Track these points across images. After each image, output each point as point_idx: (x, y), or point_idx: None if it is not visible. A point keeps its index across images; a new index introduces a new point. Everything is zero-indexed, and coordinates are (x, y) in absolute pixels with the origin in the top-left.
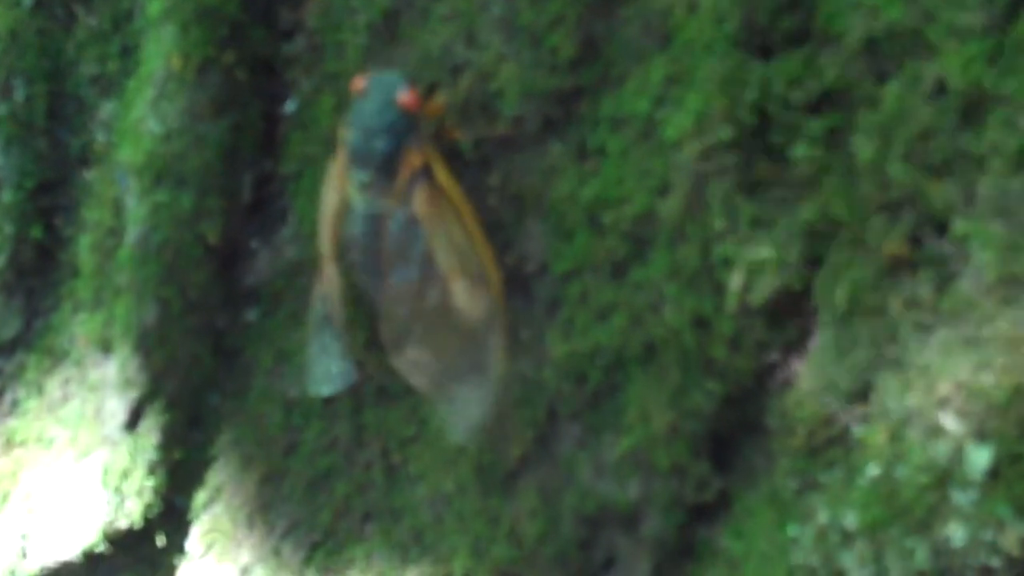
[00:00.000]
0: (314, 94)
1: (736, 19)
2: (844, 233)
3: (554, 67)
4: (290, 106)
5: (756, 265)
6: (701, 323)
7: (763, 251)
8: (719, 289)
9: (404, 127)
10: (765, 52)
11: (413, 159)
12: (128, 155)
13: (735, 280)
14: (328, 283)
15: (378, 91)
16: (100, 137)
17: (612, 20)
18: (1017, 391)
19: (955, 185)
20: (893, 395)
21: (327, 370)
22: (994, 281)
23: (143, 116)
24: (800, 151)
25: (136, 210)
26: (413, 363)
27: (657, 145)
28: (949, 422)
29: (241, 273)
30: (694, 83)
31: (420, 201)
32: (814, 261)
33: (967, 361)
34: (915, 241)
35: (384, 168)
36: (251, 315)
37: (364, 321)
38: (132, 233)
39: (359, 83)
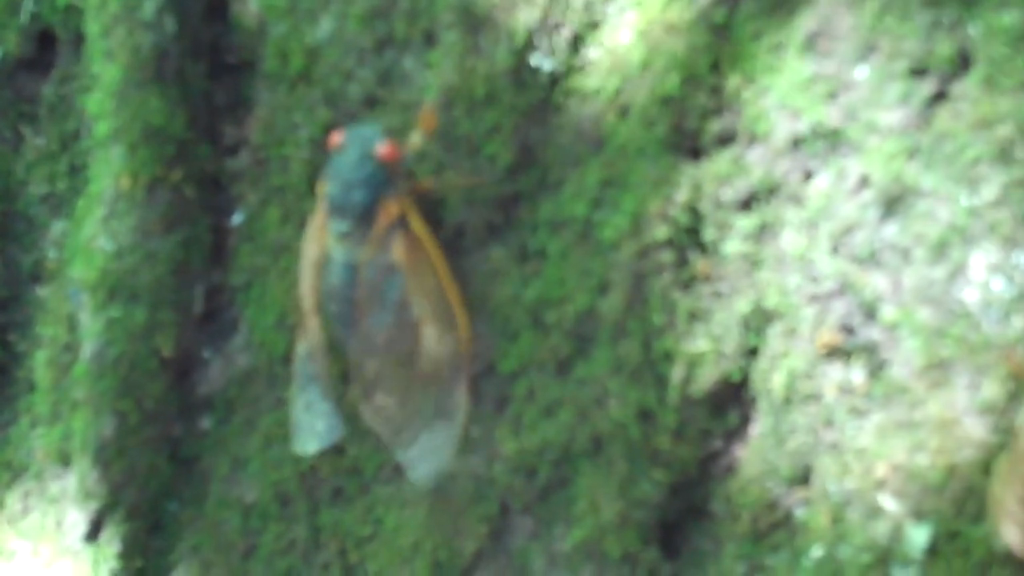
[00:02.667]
0: (261, 207)
1: (665, 123)
2: (778, 324)
3: (493, 174)
4: (237, 219)
5: (695, 358)
6: (645, 415)
7: (701, 344)
8: (661, 382)
9: (382, 178)
10: (695, 153)
11: (391, 209)
12: (81, 272)
13: (676, 373)
14: (311, 336)
15: (356, 144)
16: (51, 254)
17: (547, 127)
18: (951, 471)
19: (882, 275)
20: (832, 478)
21: (313, 427)
22: (923, 366)
23: (94, 234)
24: (733, 247)
25: (91, 326)
26: (379, 409)
27: (595, 246)
28: (888, 503)
29: (195, 383)
30: (629, 185)
31: (398, 249)
32: (751, 351)
33: (902, 443)
34: (847, 330)
35: (362, 218)
36: (206, 423)
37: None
38: (87, 348)
39: (336, 138)
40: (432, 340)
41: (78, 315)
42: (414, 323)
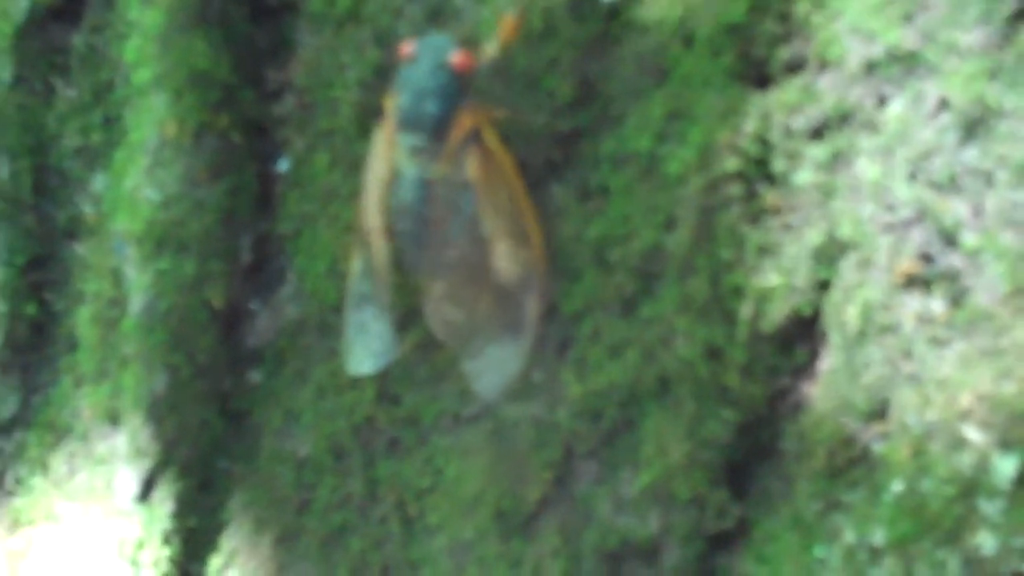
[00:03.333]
0: (308, 153)
1: (732, 52)
2: (852, 255)
3: (552, 109)
4: (283, 165)
5: (765, 293)
6: (713, 353)
7: (771, 278)
8: (730, 319)
9: (456, 89)
10: (763, 82)
11: (465, 121)
12: (125, 224)
13: (745, 309)
14: (376, 254)
15: (428, 54)
16: (88, 209)
17: (607, 60)
18: None
19: (962, 200)
20: (912, 410)
21: (368, 348)
22: (1009, 292)
23: (138, 184)
24: (804, 177)
25: (138, 279)
26: (448, 323)
27: (660, 180)
28: (972, 433)
29: (243, 335)
30: (694, 117)
31: (473, 164)
32: (823, 284)
33: (987, 372)
34: (926, 258)
35: (436, 131)
36: (256, 376)
37: (407, 296)
38: (136, 302)
39: (407, 48)
40: (504, 256)
41: (123, 269)
42: (486, 239)
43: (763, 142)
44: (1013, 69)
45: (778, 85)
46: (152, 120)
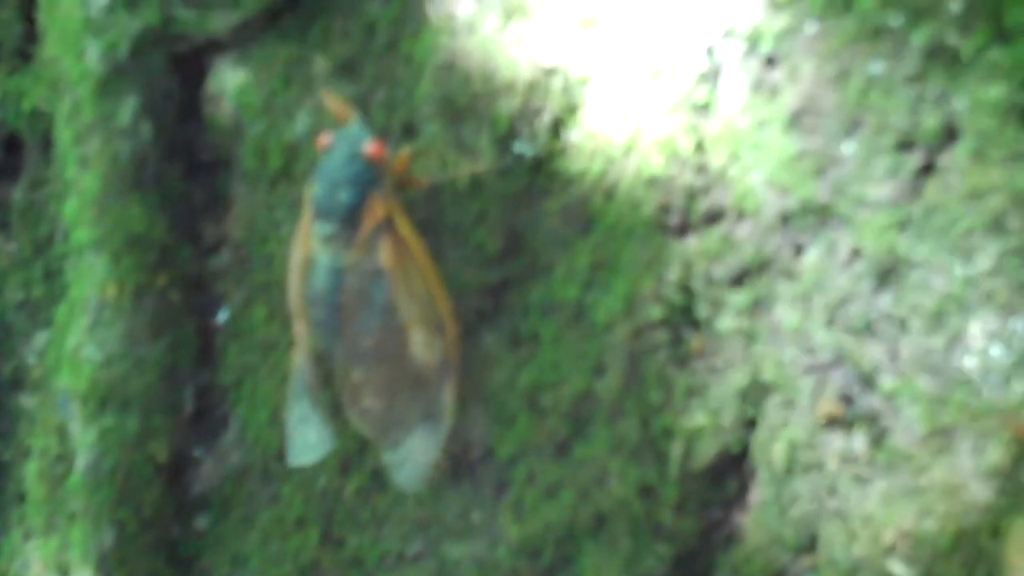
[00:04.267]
0: (246, 305)
1: (653, 203)
2: (776, 396)
3: (481, 261)
4: (222, 316)
5: (694, 432)
6: (647, 491)
7: (699, 418)
8: (661, 458)
9: (369, 178)
10: (684, 231)
11: (377, 210)
12: (69, 382)
13: (676, 448)
14: (300, 342)
15: (343, 144)
16: (32, 361)
17: (533, 212)
18: (960, 535)
19: (879, 345)
20: (839, 545)
21: (306, 440)
22: (926, 433)
23: (80, 343)
24: (727, 323)
25: (83, 436)
26: (366, 412)
27: (589, 328)
28: (898, 569)
29: (189, 482)
30: (619, 267)
31: (385, 252)
32: (749, 423)
33: (909, 509)
34: (846, 399)
35: (348, 220)
36: (203, 523)
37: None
38: (82, 459)
39: (324, 139)
40: (419, 343)
41: (68, 425)
42: (401, 327)
43: (686, 290)
44: (921, 221)
45: (698, 235)
46: (92, 281)
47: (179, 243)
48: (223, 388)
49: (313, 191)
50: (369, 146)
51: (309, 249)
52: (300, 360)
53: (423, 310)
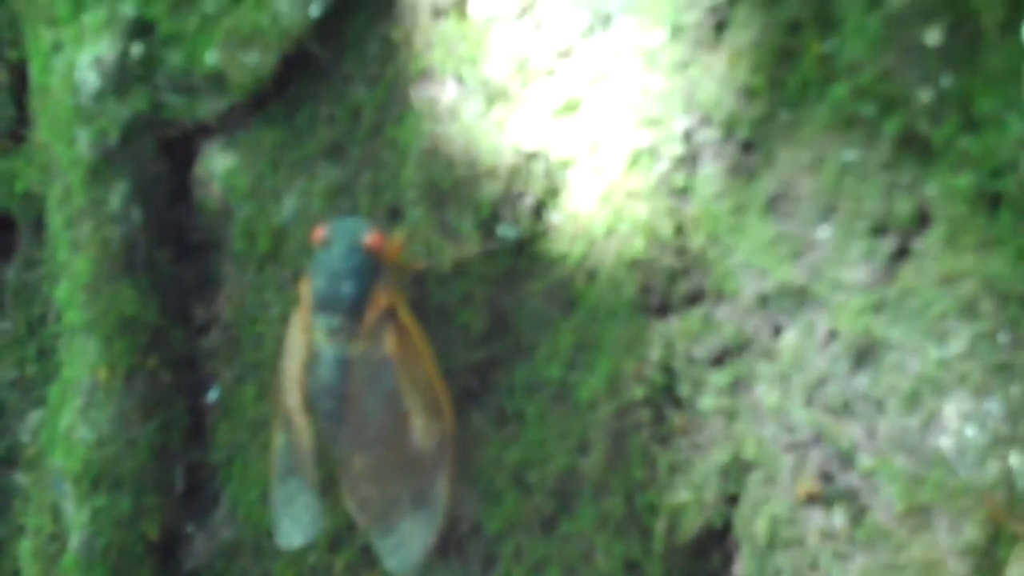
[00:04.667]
0: (236, 384)
1: (633, 285)
2: (757, 472)
3: (467, 342)
4: (213, 395)
5: (678, 508)
6: (632, 566)
7: (683, 495)
8: (646, 533)
9: (370, 269)
10: (665, 312)
11: (380, 300)
12: (62, 462)
13: (660, 524)
14: (298, 433)
15: (342, 236)
16: (26, 439)
17: (517, 293)
18: None
19: (857, 424)
20: None
21: (296, 521)
22: (903, 511)
23: (73, 424)
24: (708, 402)
25: (76, 516)
26: (365, 500)
27: (572, 406)
28: None
29: (180, 559)
30: (602, 347)
31: (390, 340)
32: (732, 498)
33: None
34: (825, 477)
35: (353, 311)
36: None
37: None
38: (75, 539)
39: (321, 232)
40: (419, 430)
41: (62, 504)
42: (403, 414)
43: (668, 369)
44: (896, 304)
45: (679, 315)
46: (84, 362)
47: (170, 325)
48: (214, 466)
49: (313, 284)
50: (369, 237)
51: (309, 342)
52: (287, 443)
53: (424, 397)
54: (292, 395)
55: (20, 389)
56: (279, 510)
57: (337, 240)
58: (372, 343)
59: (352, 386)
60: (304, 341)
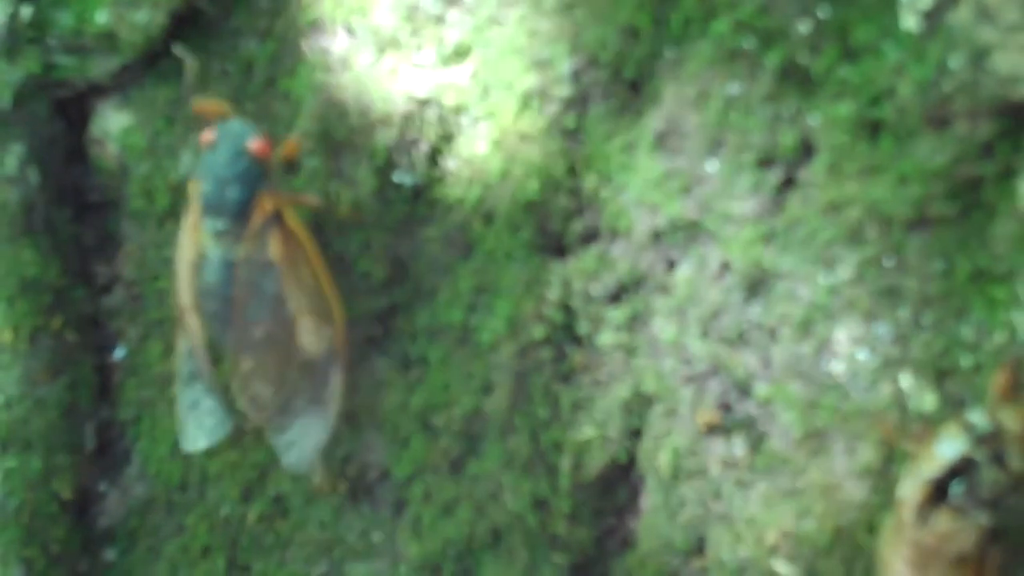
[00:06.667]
0: (141, 341)
1: (530, 227)
2: (658, 406)
3: (368, 289)
4: (119, 353)
5: (582, 445)
6: (540, 504)
7: (587, 431)
8: (552, 471)
9: (256, 174)
10: (561, 252)
11: (266, 204)
12: None
13: (566, 461)
14: (192, 334)
15: (228, 141)
16: None
17: (415, 239)
18: (837, 533)
19: (752, 354)
20: (726, 547)
21: (201, 424)
22: (800, 437)
23: None
24: (607, 338)
25: None
26: (255, 398)
27: (475, 349)
28: (782, 568)
29: (94, 515)
30: (501, 289)
31: (275, 244)
32: (635, 433)
33: (788, 511)
34: (724, 407)
35: (238, 215)
36: (110, 555)
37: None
38: None
39: (208, 135)
40: (308, 332)
41: None
42: (290, 316)
43: (566, 308)
44: (784, 235)
45: (575, 255)
46: None
47: (72, 284)
48: (123, 423)
49: (200, 188)
50: (254, 142)
51: (199, 244)
52: (188, 347)
53: (312, 300)
54: (184, 295)
55: None
56: (184, 415)
57: (223, 144)
58: (257, 246)
59: (237, 288)
60: (193, 242)
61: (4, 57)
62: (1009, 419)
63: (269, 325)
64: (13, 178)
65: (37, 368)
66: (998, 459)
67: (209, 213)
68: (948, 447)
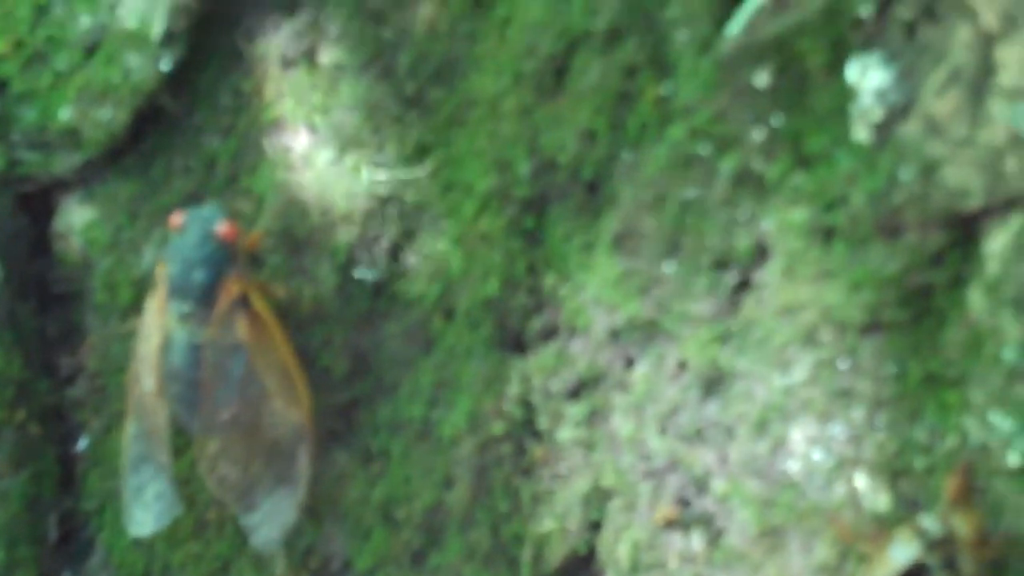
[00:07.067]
0: (105, 432)
1: (489, 323)
2: (617, 499)
3: (330, 384)
4: (82, 443)
5: (543, 537)
6: None
7: (547, 524)
8: (513, 563)
9: (222, 258)
10: (521, 348)
11: (232, 288)
12: None
13: (526, 553)
14: (153, 416)
15: (196, 225)
16: None
17: (377, 334)
18: None
19: (709, 451)
20: None
21: (148, 507)
22: (757, 533)
23: None
24: (566, 434)
25: None
26: (223, 479)
27: (436, 443)
28: None
29: None
30: (461, 385)
31: (242, 326)
32: (594, 525)
33: None
34: (683, 503)
35: (204, 298)
36: None
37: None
38: None
39: (177, 219)
40: (276, 413)
41: None
42: (257, 398)
43: (526, 404)
44: (740, 335)
45: (535, 351)
46: None
47: (35, 377)
48: (86, 514)
49: (168, 271)
50: (221, 226)
51: (164, 327)
52: (139, 430)
53: (279, 381)
54: (147, 378)
55: None
56: (130, 499)
57: (191, 228)
58: (223, 329)
59: (204, 371)
60: (159, 325)
61: None
62: (961, 524)
63: (236, 407)
64: None
65: (1, 461)
66: (950, 565)
67: (175, 296)
68: (901, 552)
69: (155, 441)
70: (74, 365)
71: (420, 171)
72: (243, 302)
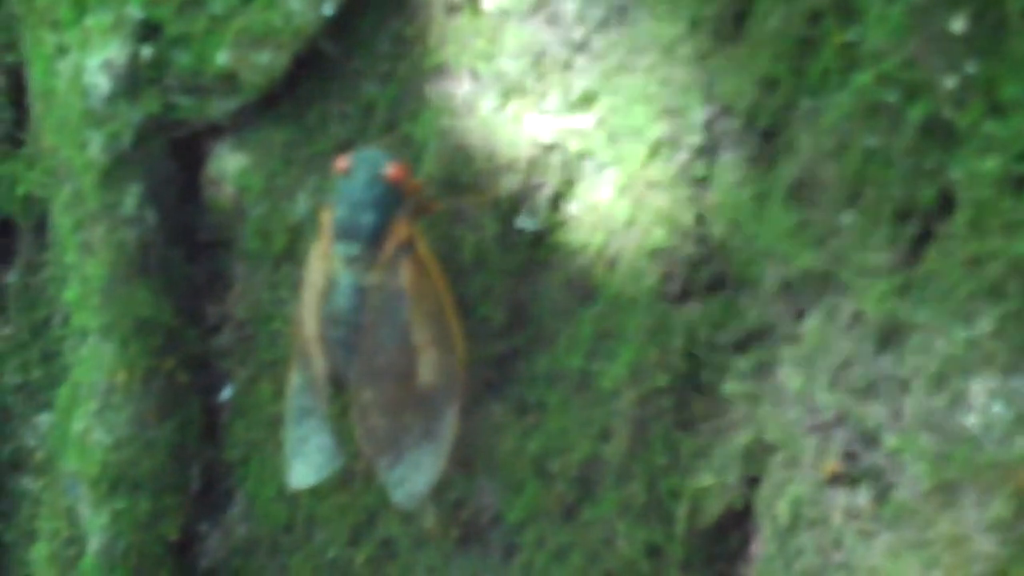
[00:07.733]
0: (251, 383)
1: (655, 274)
2: (779, 454)
3: (488, 334)
4: (226, 393)
5: (700, 492)
6: (654, 551)
7: (705, 479)
8: (668, 518)
9: (391, 200)
10: (687, 299)
11: (400, 231)
12: (77, 465)
13: (682, 508)
14: (313, 364)
15: (363, 167)
16: (32, 443)
17: (536, 284)
18: None
19: (881, 405)
20: None
21: (309, 460)
22: (930, 488)
23: (88, 427)
24: (731, 387)
25: (94, 519)
26: (371, 430)
27: (594, 395)
28: None
29: (196, 557)
30: (624, 336)
31: (407, 273)
32: (753, 480)
33: (914, 562)
34: (849, 457)
35: (371, 241)
36: None
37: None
38: (94, 542)
39: (343, 162)
40: (430, 364)
41: (77, 508)
42: (414, 347)
43: (690, 356)
44: (921, 287)
45: (701, 303)
46: (99, 365)
47: (184, 325)
48: (228, 464)
49: (334, 213)
50: (390, 168)
51: (328, 271)
52: (303, 381)
53: (437, 332)
54: (309, 324)
55: (25, 393)
56: (292, 451)
57: (359, 170)
58: (389, 274)
59: (366, 315)
60: (323, 270)
61: (124, 98)
62: None
63: (393, 355)
64: (131, 218)
65: (148, 409)
66: None
67: (342, 238)
68: None
69: (316, 389)
70: (221, 314)
71: (584, 118)
72: (409, 247)
